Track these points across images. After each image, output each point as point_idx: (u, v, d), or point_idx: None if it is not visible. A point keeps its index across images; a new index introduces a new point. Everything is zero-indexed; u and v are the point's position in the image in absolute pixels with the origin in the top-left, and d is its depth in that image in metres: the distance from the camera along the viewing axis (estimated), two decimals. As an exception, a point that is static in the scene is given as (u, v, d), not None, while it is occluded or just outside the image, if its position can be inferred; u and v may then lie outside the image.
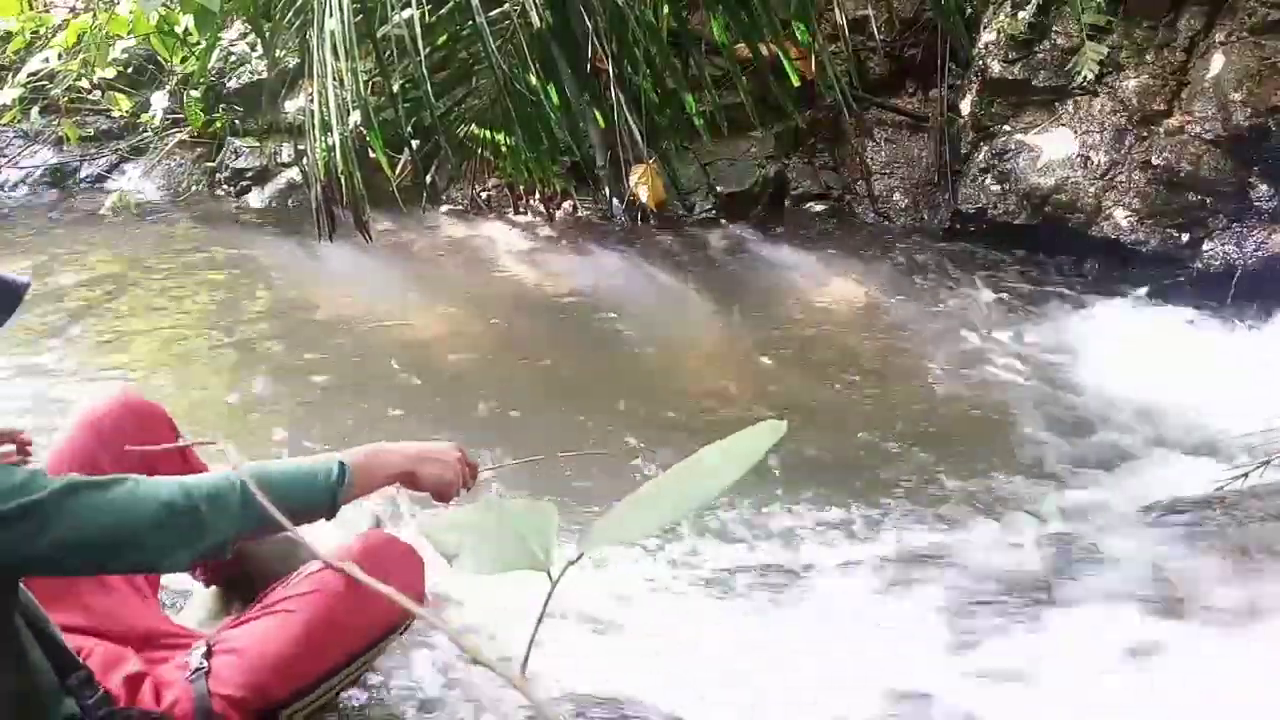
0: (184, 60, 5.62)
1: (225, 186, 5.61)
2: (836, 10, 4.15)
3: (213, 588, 2.27)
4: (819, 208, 5.33)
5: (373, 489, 1.82)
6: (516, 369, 3.90)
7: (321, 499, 1.75)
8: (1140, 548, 2.71)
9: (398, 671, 2.11)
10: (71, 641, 1.74)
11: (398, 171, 4.67)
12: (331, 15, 2.99)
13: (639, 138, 3.51)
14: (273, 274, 4.64)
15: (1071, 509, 3.03)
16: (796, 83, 3.76)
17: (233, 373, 3.79)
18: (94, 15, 5.64)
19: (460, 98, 3.77)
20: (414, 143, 3.92)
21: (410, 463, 1.87)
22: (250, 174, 5.58)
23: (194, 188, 5.64)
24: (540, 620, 0.73)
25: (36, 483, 1.50)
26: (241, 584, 2.17)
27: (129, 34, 5.54)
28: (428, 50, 3.22)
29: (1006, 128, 4.71)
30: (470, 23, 3.22)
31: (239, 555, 1.98)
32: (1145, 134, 4.36)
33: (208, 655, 1.82)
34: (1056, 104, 4.60)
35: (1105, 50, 4.44)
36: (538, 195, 5.23)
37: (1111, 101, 4.45)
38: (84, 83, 5.85)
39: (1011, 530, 2.91)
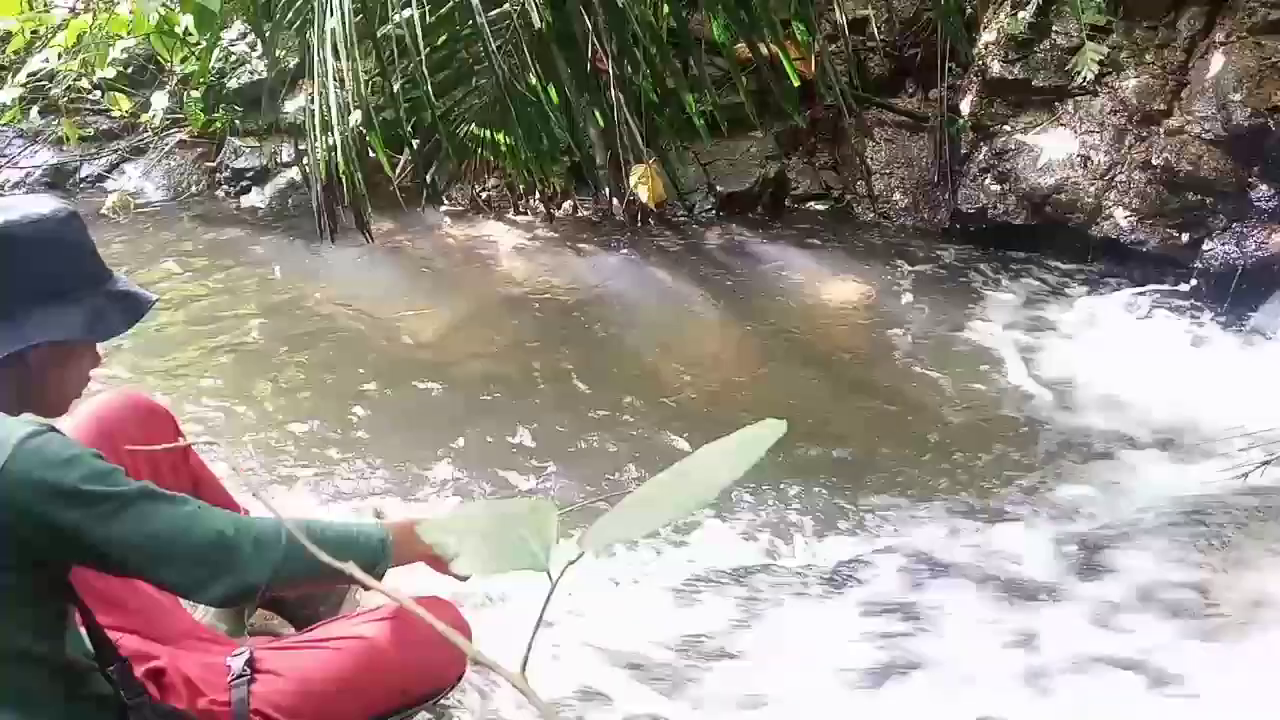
0: (184, 60, 5.62)
1: (225, 186, 5.61)
2: (836, 10, 4.16)
3: None
4: (819, 208, 5.33)
5: (407, 563, 1.83)
6: (516, 369, 3.90)
7: (360, 565, 1.76)
8: (1140, 547, 2.71)
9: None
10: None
11: (398, 171, 4.68)
12: (331, 15, 2.99)
13: (639, 138, 3.52)
14: (273, 274, 4.65)
15: (1071, 508, 3.03)
16: (796, 83, 3.76)
17: (232, 372, 3.79)
18: (94, 15, 5.64)
19: (460, 98, 3.77)
20: (414, 143, 3.92)
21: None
22: (250, 174, 5.58)
23: (194, 188, 5.64)
24: (540, 620, 0.73)
25: (119, 477, 1.57)
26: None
27: (129, 34, 5.53)
28: (428, 50, 3.22)
29: (1006, 128, 4.71)
30: (470, 23, 3.21)
31: None
32: (1145, 134, 4.36)
33: (250, 665, 1.84)
34: (1056, 104, 4.60)
35: (1105, 50, 4.44)
36: (538, 195, 5.23)
37: (1111, 101, 4.45)
38: (84, 83, 5.85)
39: (1011, 530, 2.91)
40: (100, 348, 1.74)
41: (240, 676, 1.81)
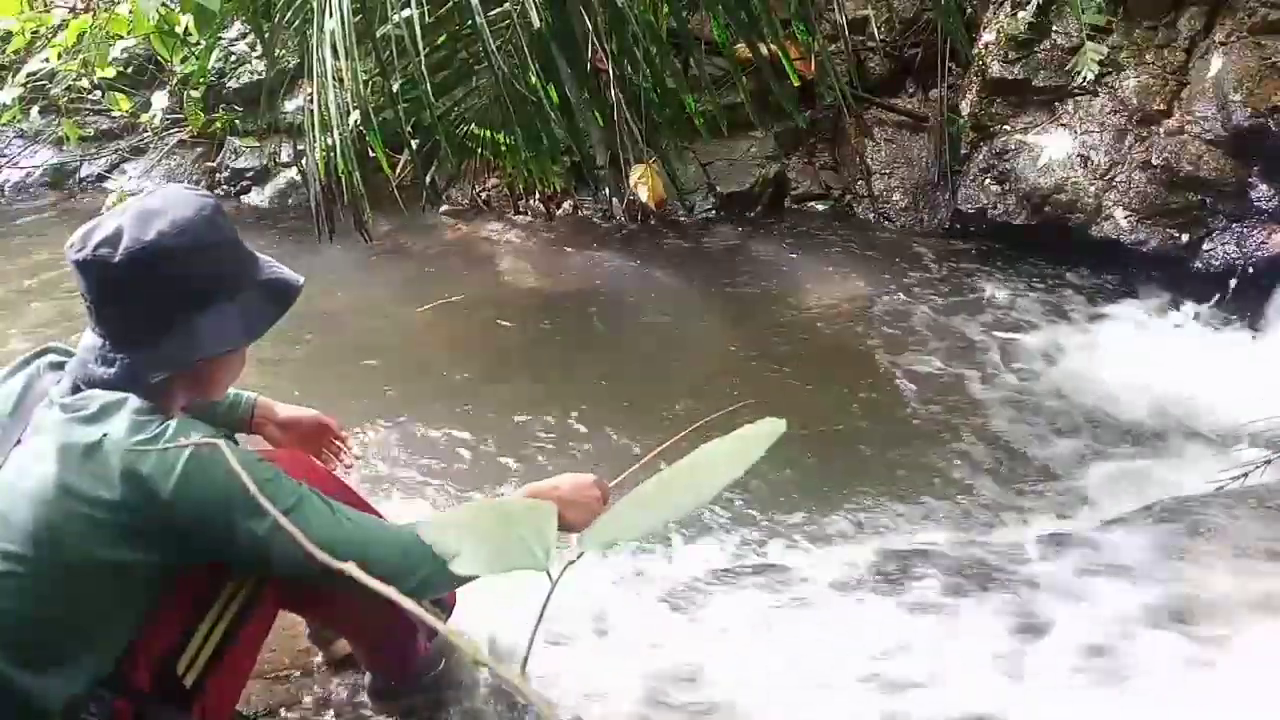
0: (184, 60, 5.62)
1: (225, 186, 5.61)
2: (836, 10, 4.16)
3: None
4: (819, 208, 5.33)
5: None
6: (515, 369, 3.90)
7: None
8: (1140, 547, 2.71)
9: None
10: None
11: (398, 171, 4.68)
12: (331, 15, 2.99)
13: (639, 138, 3.51)
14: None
15: (1070, 508, 3.03)
16: (796, 83, 3.76)
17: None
18: (94, 15, 5.64)
19: (460, 98, 3.77)
20: (414, 143, 3.92)
21: (561, 507, 1.88)
22: (250, 174, 5.59)
23: (194, 188, 5.64)
24: (540, 620, 0.73)
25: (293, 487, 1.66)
26: None
27: (129, 34, 5.54)
28: (428, 50, 3.22)
29: (1006, 128, 4.71)
30: (470, 23, 3.21)
31: None
32: (1145, 134, 4.36)
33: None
34: (1056, 104, 4.60)
35: (1105, 50, 4.44)
36: (538, 195, 5.24)
37: (1111, 101, 4.45)
38: (84, 83, 5.86)
39: (1011, 530, 2.92)
40: None
41: None
